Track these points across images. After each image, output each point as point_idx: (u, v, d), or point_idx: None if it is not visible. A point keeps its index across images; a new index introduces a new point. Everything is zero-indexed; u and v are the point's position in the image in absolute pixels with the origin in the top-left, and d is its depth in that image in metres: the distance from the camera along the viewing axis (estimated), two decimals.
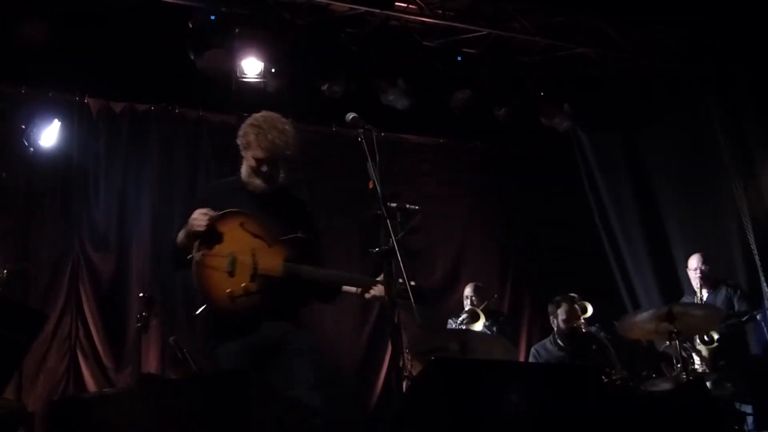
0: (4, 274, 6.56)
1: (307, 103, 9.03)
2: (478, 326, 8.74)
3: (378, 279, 5.00)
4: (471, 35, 9.40)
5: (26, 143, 8.16)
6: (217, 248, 5.02)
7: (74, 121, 8.91)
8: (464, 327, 8.65)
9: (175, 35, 8.46)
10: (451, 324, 8.88)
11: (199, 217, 4.95)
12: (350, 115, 5.01)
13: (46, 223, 8.70)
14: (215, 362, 5.08)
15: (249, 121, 5.24)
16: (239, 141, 5.22)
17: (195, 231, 4.96)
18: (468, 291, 9.24)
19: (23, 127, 8.12)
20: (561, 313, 8.19)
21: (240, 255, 5.02)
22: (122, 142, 9.25)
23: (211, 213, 4.97)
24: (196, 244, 5.01)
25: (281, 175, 5.22)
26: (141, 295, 7.27)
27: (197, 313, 5.22)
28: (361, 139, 4.87)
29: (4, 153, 8.44)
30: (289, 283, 5.06)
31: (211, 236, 5.03)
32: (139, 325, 6.93)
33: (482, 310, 8.91)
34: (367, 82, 9.13)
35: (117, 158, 9.19)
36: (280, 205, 5.26)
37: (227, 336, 5.03)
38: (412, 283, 4.64)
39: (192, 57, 8.40)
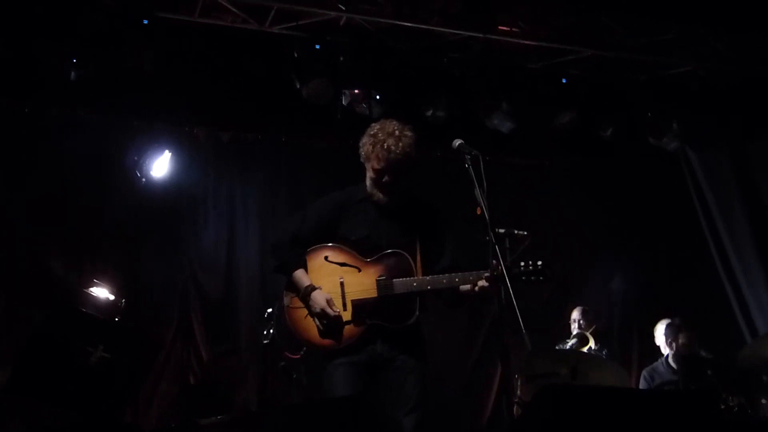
0: (122, 303, 6.75)
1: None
2: (587, 350, 8.59)
3: (485, 270, 4.92)
4: (574, 57, 9.31)
5: (138, 174, 8.39)
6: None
7: (183, 151, 9.10)
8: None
9: (280, 64, 8.62)
10: (559, 349, 8.76)
11: (330, 312, 5.01)
12: (457, 142, 5.00)
13: (157, 252, 8.89)
14: (328, 379, 5.09)
15: (367, 131, 5.23)
16: (360, 153, 5.22)
17: (319, 314, 5.02)
18: (576, 314, 9.10)
19: (135, 158, 8.35)
20: (682, 337, 8.01)
21: (325, 289, 5.05)
22: (230, 170, 9.42)
23: (334, 310, 5.01)
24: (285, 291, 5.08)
25: (405, 181, 5.20)
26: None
27: (297, 356, 5.25)
28: (468, 165, 4.86)
29: (117, 183, 8.68)
30: (390, 300, 5.07)
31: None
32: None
33: (591, 334, 8.76)
34: (470, 106, 9.11)
35: (225, 186, 9.36)
36: (404, 215, 5.25)
37: (336, 356, 5.06)
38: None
39: (297, 85, 8.53)
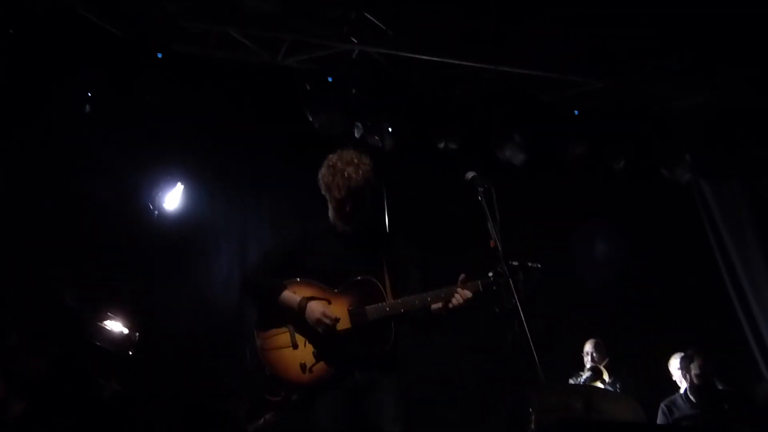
0: (136, 336, 6.76)
1: (423, 160, 9.07)
2: (601, 384, 8.53)
3: (459, 282, 4.95)
4: (586, 88, 9.32)
5: (151, 207, 8.41)
6: (273, 328, 5.04)
7: (196, 183, 9.08)
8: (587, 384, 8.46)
9: (293, 97, 8.66)
10: (572, 382, 8.69)
11: (330, 316, 4.97)
12: (470, 174, 4.99)
13: (170, 285, 8.86)
14: (313, 415, 4.96)
15: (325, 162, 5.17)
16: (320, 185, 5.17)
17: (319, 326, 5.00)
18: (588, 347, 9.03)
19: (153, 194, 8.38)
20: (694, 367, 7.95)
21: (297, 323, 5.01)
22: (242, 202, 9.42)
23: (332, 316, 4.98)
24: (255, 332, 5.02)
25: (367, 209, 5.17)
26: None
27: (278, 398, 5.17)
28: (482, 198, 4.85)
29: (130, 216, 8.69)
30: (365, 328, 5.03)
31: (264, 316, 5.04)
32: None
33: (604, 367, 8.70)
34: (482, 138, 9.13)
35: (237, 218, 9.36)
36: (368, 242, 5.21)
37: (317, 391, 4.96)
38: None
39: (310, 118, 8.57)
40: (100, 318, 7.14)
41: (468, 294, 4.94)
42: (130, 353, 6.71)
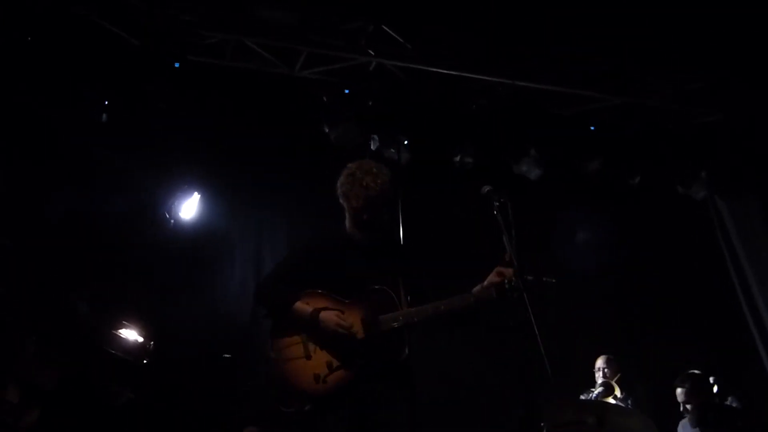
0: (150, 345, 6.77)
1: (439, 174, 9.08)
2: (613, 399, 8.49)
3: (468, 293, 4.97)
4: (603, 104, 9.32)
5: (167, 216, 8.44)
6: (286, 338, 5.02)
7: (212, 192, 9.10)
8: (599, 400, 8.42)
9: (309, 108, 8.68)
10: (584, 398, 8.65)
11: (344, 325, 4.97)
12: (485, 188, 4.99)
13: (184, 293, 8.87)
14: (324, 428, 4.99)
15: (344, 171, 5.22)
16: (339, 193, 5.21)
17: (334, 331, 4.98)
18: (600, 363, 8.99)
19: (170, 203, 8.40)
20: (680, 394, 7.90)
21: (310, 333, 4.99)
22: (258, 212, 9.44)
23: (347, 324, 4.99)
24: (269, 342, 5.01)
25: (383, 218, 5.20)
26: None
27: (291, 409, 5.16)
28: (497, 212, 4.85)
29: (146, 225, 8.71)
30: (376, 339, 5.03)
31: (278, 327, 5.03)
32: None
33: (616, 382, 8.66)
34: (498, 153, 9.14)
35: (252, 227, 9.38)
36: (385, 253, 5.22)
37: (330, 401, 4.96)
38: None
39: (326, 129, 8.59)
40: (114, 326, 7.16)
41: (507, 273, 4.90)
42: (145, 362, 6.72)
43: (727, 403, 8.30)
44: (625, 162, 9.57)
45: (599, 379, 8.83)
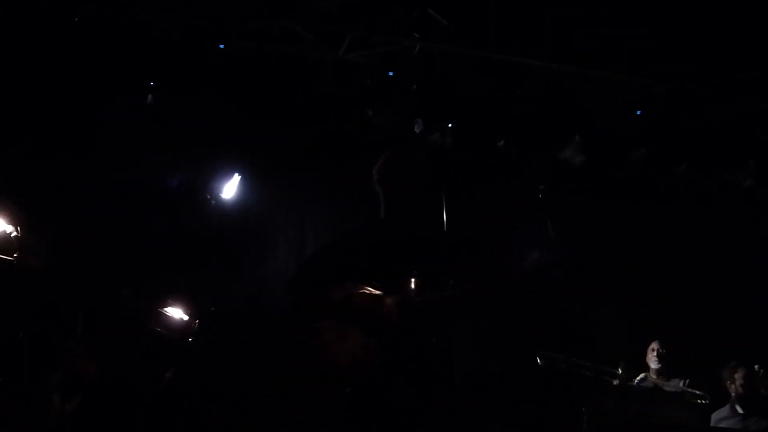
0: (195, 324, 6.82)
1: (483, 158, 9.05)
2: (664, 386, 8.39)
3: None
4: (649, 91, 9.21)
5: (208, 197, 8.48)
6: (324, 322, 5.01)
7: (254, 174, 9.13)
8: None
9: (353, 92, 8.67)
10: (631, 384, 8.56)
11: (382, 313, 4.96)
12: (529, 173, 4.96)
13: (225, 275, 8.92)
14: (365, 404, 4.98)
15: (381, 157, 5.07)
16: (374, 180, 5.17)
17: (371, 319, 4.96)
18: (654, 345, 8.87)
19: (208, 180, 8.45)
20: (738, 377, 7.84)
21: (346, 317, 4.98)
22: (301, 195, 9.47)
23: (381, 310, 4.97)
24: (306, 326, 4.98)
25: (422, 207, 5.18)
26: None
27: (330, 393, 5.15)
28: (541, 196, 4.81)
29: (187, 205, 8.76)
30: (411, 322, 4.99)
31: (314, 311, 5.01)
32: None
33: (665, 371, 8.56)
34: (542, 138, 9.09)
35: (295, 211, 9.41)
36: (419, 240, 5.19)
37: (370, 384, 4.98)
38: None
39: (369, 113, 8.58)
40: (160, 305, 7.22)
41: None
42: (189, 340, 6.77)
43: None
44: (671, 149, 9.47)
45: (652, 365, 8.68)
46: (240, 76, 8.48)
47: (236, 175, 8.77)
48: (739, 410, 7.84)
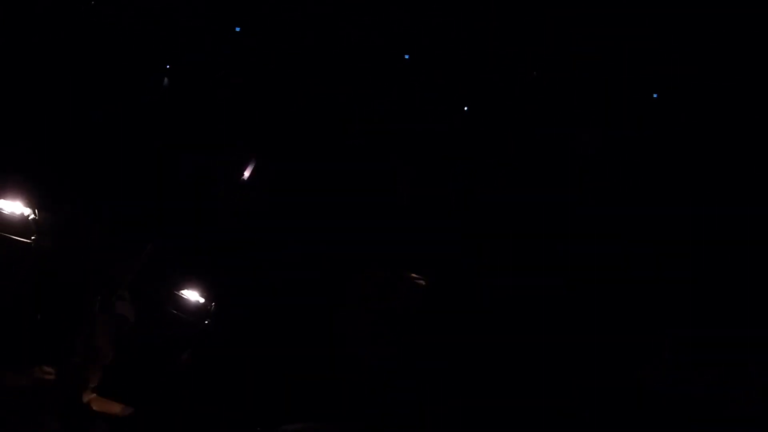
0: (212, 306, 6.84)
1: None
2: None
3: None
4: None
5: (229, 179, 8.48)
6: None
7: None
8: None
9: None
10: None
11: None
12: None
13: (240, 262, 8.91)
14: None
15: None
16: None
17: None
18: None
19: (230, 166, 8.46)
20: None
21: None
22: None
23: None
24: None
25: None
26: None
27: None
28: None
29: (205, 190, 8.77)
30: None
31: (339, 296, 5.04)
32: None
33: None
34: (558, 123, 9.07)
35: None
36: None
37: None
38: None
39: None
40: (177, 287, 7.21)
41: None
42: (206, 322, 6.79)
43: None
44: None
45: None
46: (256, 61, 8.47)
47: (254, 159, 8.78)
48: None
